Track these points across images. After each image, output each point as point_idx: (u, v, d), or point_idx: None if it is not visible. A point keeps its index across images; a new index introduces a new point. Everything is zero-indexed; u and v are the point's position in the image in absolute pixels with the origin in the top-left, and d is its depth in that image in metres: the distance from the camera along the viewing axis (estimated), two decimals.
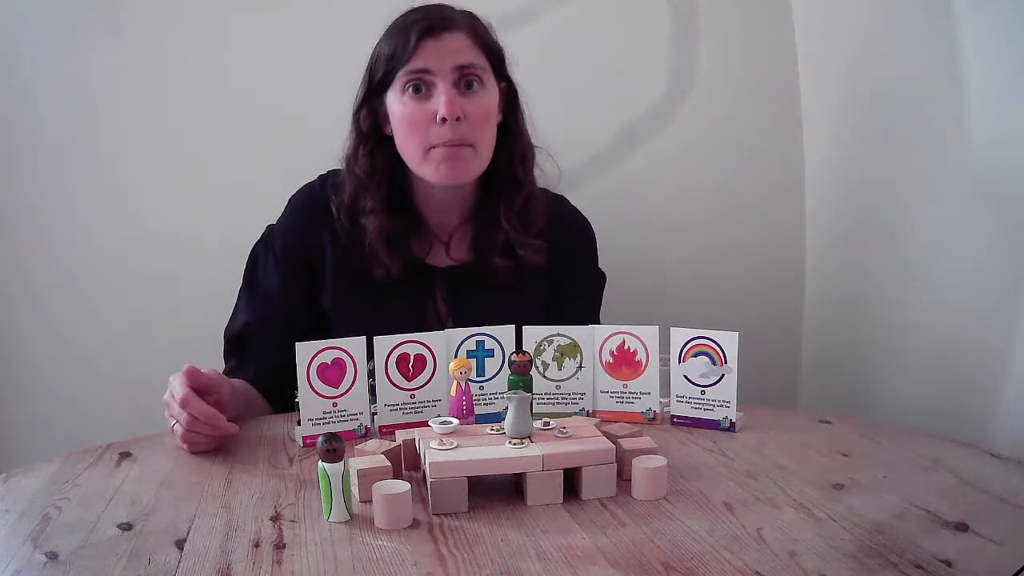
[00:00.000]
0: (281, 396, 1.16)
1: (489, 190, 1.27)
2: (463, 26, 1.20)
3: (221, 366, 1.24)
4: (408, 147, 1.20)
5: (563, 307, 1.28)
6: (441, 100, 1.16)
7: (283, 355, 1.03)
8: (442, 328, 1.23)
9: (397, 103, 1.19)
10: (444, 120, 1.15)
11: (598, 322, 1.33)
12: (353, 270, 1.24)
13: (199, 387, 1.01)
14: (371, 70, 1.23)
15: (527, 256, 1.25)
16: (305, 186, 1.29)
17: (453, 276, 1.27)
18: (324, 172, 1.29)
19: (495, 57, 1.23)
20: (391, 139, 1.23)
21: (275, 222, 1.30)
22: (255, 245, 1.31)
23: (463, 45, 1.19)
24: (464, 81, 1.18)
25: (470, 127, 1.17)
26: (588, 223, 1.35)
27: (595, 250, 1.36)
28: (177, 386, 1.00)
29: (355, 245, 1.23)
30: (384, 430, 1.03)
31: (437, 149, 1.18)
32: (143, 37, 1.53)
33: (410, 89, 1.18)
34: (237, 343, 1.27)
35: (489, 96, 1.21)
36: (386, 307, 1.23)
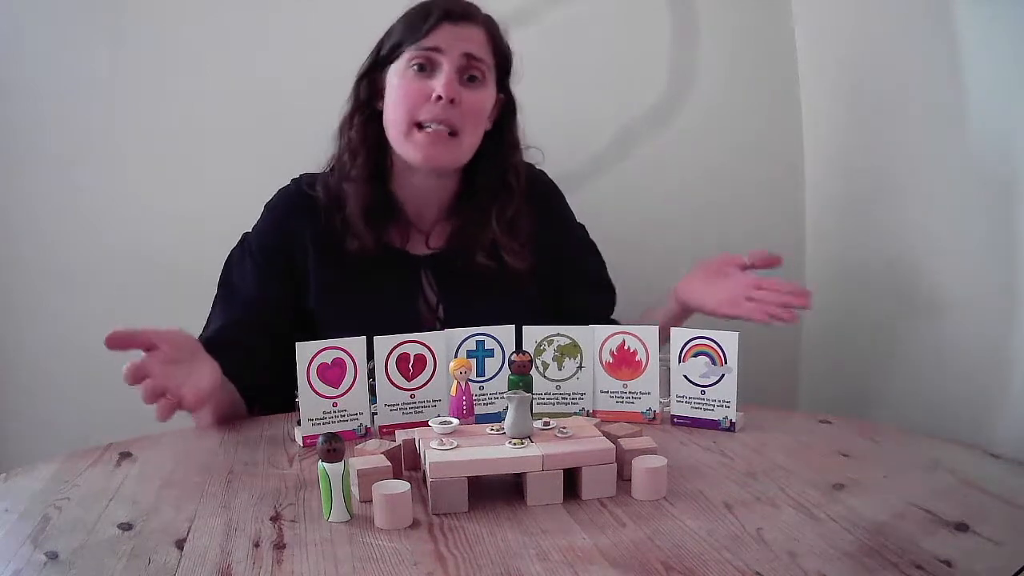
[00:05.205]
0: (263, 397, 1.16)
1: (472, 189, 1.27)
2: (482, 22, 1.23)
3: None
4: (395, 121, 1.21)
5: (575, 267, 1.35)
6: (442, 80, 1.17)
7: (262, 356, 1.02)
8: (434, 315, 1.23)
9: (396, 76, 1.21)
10: (439, 99, 1.16)
11: (605, 267, 1.41)
12: (336, 263, 1.23)
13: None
14: (381, 43, 1.24)
15: (511, 261, 1.26)
16: (280, 190, 1.29)
17: (436, 262, 1.27)
18: (297, 175, 1.29)
19: (503, 62, 1.26)
20: (381, 115, 1.23)
21: (250, 229, 1.29)
22: (231, 252, 1.28)
23: (478, 38, 1.21)
24: (468, 73, 1.20)
25: (460, 114, 1.19)
26: (552, 181, 1.39)
27: (567, 204, 1.40)
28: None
29: (333, 220, 1.23)
30: (384, 430, 1.03)
31: (421, 132, 1.18)
32: (143, 38, 1.53)
33: (415, 66, 1.20)
34: (210, 349, 1.24)
35: (487, 93, 1.23)
36: (373, 299, 1.23)
